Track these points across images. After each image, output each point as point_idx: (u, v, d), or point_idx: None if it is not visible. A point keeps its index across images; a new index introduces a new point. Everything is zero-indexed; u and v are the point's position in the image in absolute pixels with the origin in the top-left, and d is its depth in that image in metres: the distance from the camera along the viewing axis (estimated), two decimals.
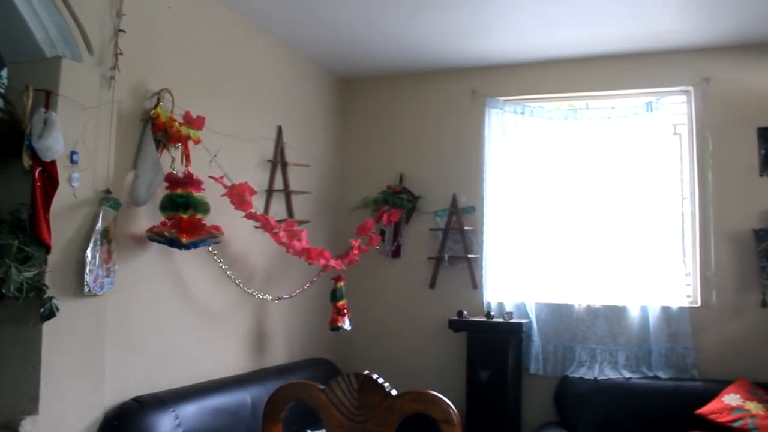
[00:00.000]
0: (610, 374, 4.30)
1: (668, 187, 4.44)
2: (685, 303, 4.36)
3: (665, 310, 4.32)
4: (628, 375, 4.28)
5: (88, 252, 2.73)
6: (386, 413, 1.70)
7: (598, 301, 4.48)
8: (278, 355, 4.30)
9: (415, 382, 4.07)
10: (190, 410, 3.11)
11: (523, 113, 4.75)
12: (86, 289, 2.72)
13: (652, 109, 4.49)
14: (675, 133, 4.59)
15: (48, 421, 2.56)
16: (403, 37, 4.35)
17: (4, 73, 2.86)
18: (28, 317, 2.53)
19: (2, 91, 2.72)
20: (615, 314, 4.44)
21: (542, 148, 4.72)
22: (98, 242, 2.78)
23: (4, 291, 2.37)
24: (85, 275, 2.72)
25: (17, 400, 2.55)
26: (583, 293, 4.52)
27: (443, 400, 1.65)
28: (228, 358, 3.81)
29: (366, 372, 1.74)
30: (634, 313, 4.40)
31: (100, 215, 2.79)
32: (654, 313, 4.32)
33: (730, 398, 3.85)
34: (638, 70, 4.56)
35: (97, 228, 2.77)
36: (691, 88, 4.49)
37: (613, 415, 4.11)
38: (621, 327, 4.41)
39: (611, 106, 4.63)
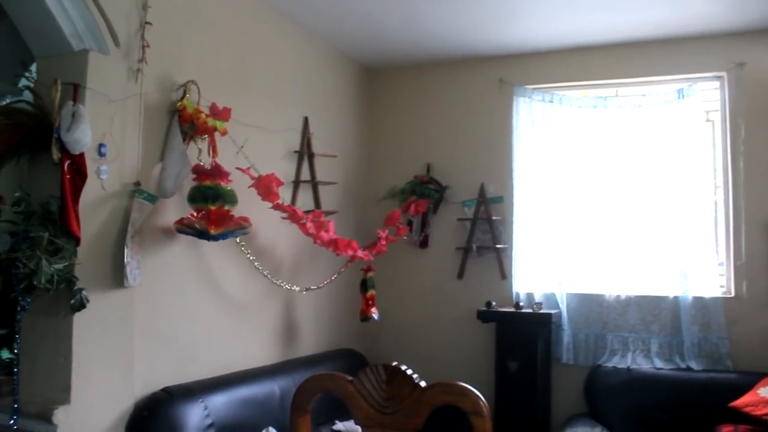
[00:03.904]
0: (643, 363, 4.25)
1: (700, 175, 4.35)
2: (719, 293, 4.27)
3: (698, 300, 4.24)
4: (660, 364, 4.22)
5: (128, 243, 2.76)
6: (415, 405, 1.68)
7: (629, 290, 4.42)
8: (306, 345, 4.30)
9: (443, 373, 4.05)
10: (218, 401, 3.13)
11: (551, 102, 4.69)
12: (125, 281, 2.75)
13: (683, 96, 4.40)
14: (707, 121, 4.49)
15: (79, 410, 2.60)
16: (429, 25, 4.31)
17: (34, 67, 2.89)
18: (58, 308, 2.55)
19: (32, 85, 2.75)
20: (646, 302, 4.38)
21: (571, 136, 4.65)
22: (132, 234, 2.81)
23: (35, 282, 2.41)
24: (126, 267, 2.75)
25: (49, 390, 2.60)
26: (613, 283, 4.47)
27: (473, 391, 1.63)
28: (256, 348, 3.82)
29: (395, 363, 1.72)
30: (666, 302, 4.33)
31: (134, 208, 2.82)
32: (686, 303, 4.25)
33: (766, 391, 3.77)
34: (669, 56, 4.47)
35: (133, 220, 2.80)
36: (724, 74, 4.38)
37: (644, 407, 4.06)
38: (653, 315, 4.36)
39: (641, 94, 4.54)
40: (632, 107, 4.53)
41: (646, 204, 4.46)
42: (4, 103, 3.13)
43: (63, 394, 2.58)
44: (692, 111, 4.39)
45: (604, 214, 4.56)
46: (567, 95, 4.69)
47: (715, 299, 4.23)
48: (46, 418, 2.51)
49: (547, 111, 4.70)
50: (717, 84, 4.46)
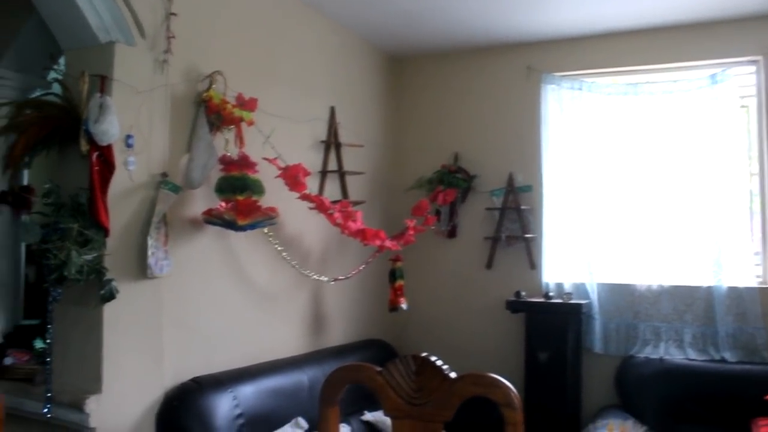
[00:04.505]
0: (676, 354, 4.18)
1: (735, 163, 4.24)
2: (755, 283, 4.18)
3: (733, 290, 4.15)
4: (693, 355, 4.14)
5: (151, 234, 2.77)
6: (445, 396, 1.66)
7: (662, 280, 4.34)
8: (335, 336, 4.30)
9: (472, 363, 4.00)
10: (247, 391, 3.13)
11: (580, 89, 4.61)
12: (149, 271, 2.77)
13: (717, 82, 4.28)
14: (742, 106, 4.38)
15: (111, 400, 2.62)
16: (456, 12, 4.26)
17: (62, 60, 2.92)
18: (89, 299, 2.58)
19: (60, 77, 2.77)
20: (679, 292, 4.30)
21: (601, 124, 4.57)
22: (158, 225, 2.81)
23: (65, 273, 2.43)
24: (148, 258, 2.76)
25: (81, 380, 2.62)
26: (645, 272, 4.39)
27: (504, 383, 1.60)
28: (285, 339, 3.82)
29: (424, 354, 1.71)
30: (699, 292, 4.25)
31: (160, 198, 2.82)
32: (720, 293, 4.16)
33: None
34: (702, 41, 4.36)
35: (158, 211, 2.81)
36: (760, 58, 4.26)
37: (677, 399, 3.99)
38: (686, 304, 4.27)
39: (673, 80, 4.43)
40: (663, 94, 4.43)
41: (678, 192, 4.36)
42: (34, 95, 3.17)
43: (94, 384, 2.60)
44: (726, 97, 4.27)
45: (635, 202, 4.47)
46: (596, 82, 4.60)
47: (750, 289, 4.13)
48: (78, 407, 2.53)
49: (576, 98, 4.62)
50: (752, 69, 4.33)
